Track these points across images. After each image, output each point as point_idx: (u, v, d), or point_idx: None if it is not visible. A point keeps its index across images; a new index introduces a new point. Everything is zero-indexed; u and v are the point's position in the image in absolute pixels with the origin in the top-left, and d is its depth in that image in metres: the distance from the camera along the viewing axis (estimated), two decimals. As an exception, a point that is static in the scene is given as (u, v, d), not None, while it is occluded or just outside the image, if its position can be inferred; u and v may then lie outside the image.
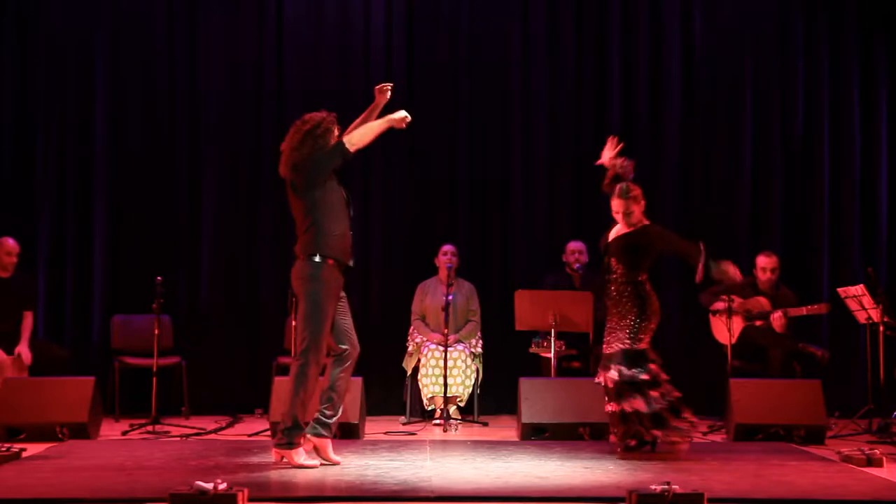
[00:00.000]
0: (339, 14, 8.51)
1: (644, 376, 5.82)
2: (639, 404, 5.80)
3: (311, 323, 5.40)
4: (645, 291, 5.92)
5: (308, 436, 5.45)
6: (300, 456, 5.40)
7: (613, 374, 5.86)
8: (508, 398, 7.38)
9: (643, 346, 5.88)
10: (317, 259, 5.42)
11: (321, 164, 5.45)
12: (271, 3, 8.50)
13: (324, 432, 5.47)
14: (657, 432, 5.81)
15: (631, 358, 5.85)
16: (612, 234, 6.10)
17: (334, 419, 5.52)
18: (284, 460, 5.42)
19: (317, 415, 5.49)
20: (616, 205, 6.05)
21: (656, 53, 8.59)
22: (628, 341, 5.88)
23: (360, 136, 5.52)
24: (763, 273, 7.67)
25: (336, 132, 5.56)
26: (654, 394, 5.81)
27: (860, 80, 8.57)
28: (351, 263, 5.55)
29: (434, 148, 8.56)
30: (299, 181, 5.48)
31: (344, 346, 5.54)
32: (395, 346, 8.05)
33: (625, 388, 5.82)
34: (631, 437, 5.85)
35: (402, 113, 5.59)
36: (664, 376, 5.89)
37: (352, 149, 5.48)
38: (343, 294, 5.61)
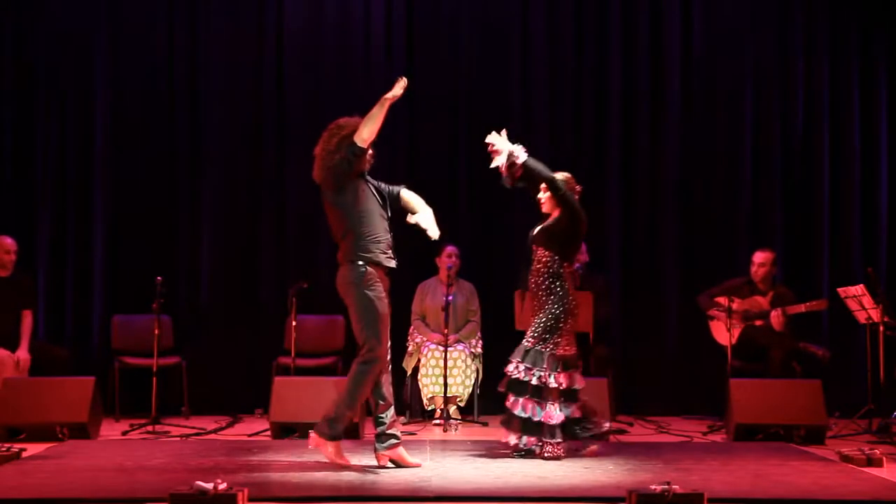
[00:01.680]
0: (338, 14, 8.51)
1: (536, 381, 5.69)
2: (521, 407, 5.72)
3: (368, 325, 5.40)
4: (563, 287, 5.80)
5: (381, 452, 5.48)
6: (331, 451, 5.40)
7: (509, 367, 5.82)
8: (508, 398, 7.35)
9: (552, 349, 5.75)
10: (359, 264, 5.42)
11: (340, 167, 5.43)
12: (271, 3, 8.50)
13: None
14: (530, 438, 5.72)
15: (532, 357, 5.76)
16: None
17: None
18: (313, 447, 5.44)
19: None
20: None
21: (656, 53, 8.58)
22: (532, 340, 5.79)
23: (367, 128, 5.44)
24: (756, 269, 7.68)
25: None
26: (548, 404, 5.68)
27: (860, 80, 8.57)
28: (393, 265, 5.55)
29: (434, 148, 8.56)
30: (329, 186, 5.49)
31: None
32: (395, 346, 7.99)
33: (513, 386, 5.76)
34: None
35: (400, 85, 5.48)
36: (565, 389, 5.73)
37: (363, 144, 5.44)
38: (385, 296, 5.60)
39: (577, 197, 5.92)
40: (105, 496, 4.68)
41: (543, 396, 5.70)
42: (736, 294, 7.53)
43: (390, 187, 5.75)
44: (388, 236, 5.57)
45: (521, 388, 5.74)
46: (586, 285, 7.72)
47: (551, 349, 5.75)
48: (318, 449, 5.46)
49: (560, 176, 5.93)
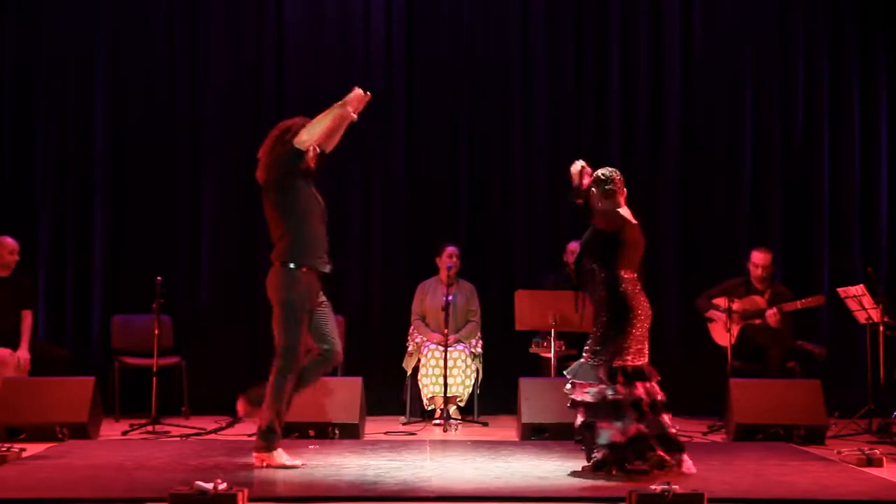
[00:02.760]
0: (338, 14, 8.52)
1: (592, 398, 5.26)
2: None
3: (287, 329, 5.36)
4: (617, 294, 5.31)
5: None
6: (281, 457, 5.39)
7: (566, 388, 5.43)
8: (508, 398, 7.37)
9: (610, 359, 5.28)
10: (291, 266, 5.38)
11: (280, 168, 5.40)
12: (271, 3, 8.50)
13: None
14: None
15: (584, 372, 5.35)
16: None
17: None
18: (265, 464, 5.37)
19: None
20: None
21: (656, 53, 8.59)
22: (586, 354, 5.39)
23: (307, 133, 5.36)
24: (755, 269, 7.68)
25: None
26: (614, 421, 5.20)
27: (860, 80, 8.57)
28: (327, 270, 5.49)
29: (434, 148, 8.56)
30: (269, 186, 5.45)
31: (325, 347, 5.53)
32: (395, 346, 8.05)
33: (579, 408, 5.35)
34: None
35: (356, 93, 5.41)
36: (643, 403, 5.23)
37: (301, 146, 5.37)
38: (325, 300, 5.56)
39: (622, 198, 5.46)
40: (105, 496, 4.67)
41: (609, 413, 5.22)
42: (734, 294, 7.53)
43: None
44: (326, 241, 5.50)
45: (592, 409, 5.28)
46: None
47: (607, 360, 5.27)
48: (268, 464, 5.35)
49: (603, 171, 5.47)
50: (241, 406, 5.55)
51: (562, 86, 8.57)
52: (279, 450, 5.41)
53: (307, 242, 5.41)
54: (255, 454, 5.44)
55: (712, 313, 7.68)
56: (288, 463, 5.39)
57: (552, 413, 6.67)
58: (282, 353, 5.38)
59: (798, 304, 7.48)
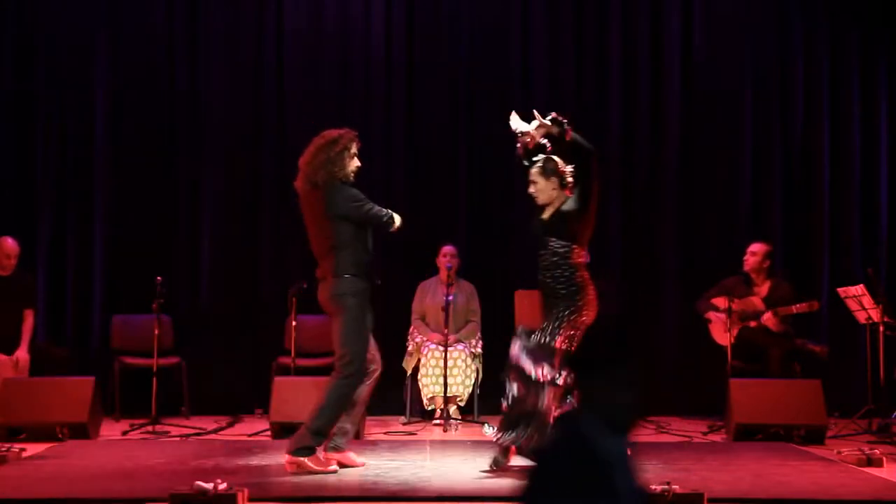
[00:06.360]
0: (339, 14, 8.51)
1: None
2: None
3: (353, 340, 5.37)
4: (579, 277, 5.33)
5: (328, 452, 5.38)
6: (317, 462, 5.32)
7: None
8: (508, 398, 7.35)
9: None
10: (347, 276, 5.39)
11: (359, 215, 5.45)
12: (271, 3, 8.50)
13: (343, 444, 5.47)
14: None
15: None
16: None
17: (352, 430, 5.56)
18: (296, 469, 5.28)
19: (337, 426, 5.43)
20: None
21: (656, 53, 8.58)
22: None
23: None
24: (751, 257, 7.64)
25: (354, 150, 5.49)
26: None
27: (860, 80, 8.57)
28: (378, 282, 5.54)
29: (434, 147, 8.56)
30: (318, 199, 5.44)
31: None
32: (395, 346, 8.03)
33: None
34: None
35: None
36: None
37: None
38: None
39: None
40: (105, 496, 4.68)
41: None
42: (732, 292, 7.52)
43: None
44: (373, 253, 5.55)
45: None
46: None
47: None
48: (302, 468, 5.24)
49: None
50: (288, 464, 5.29)
51: (562, 86, 8.57)
52: (317, 455, 5.29)
53: (359, 257, 5.44)
54: (289, 458, 5.28)
55: (711, 314, 7.68)
56: (328, 468, 5.27)
57: (552, 413, 6.66)
58: (350, 361, 5.35)
59: (793, 309, 7.46)
